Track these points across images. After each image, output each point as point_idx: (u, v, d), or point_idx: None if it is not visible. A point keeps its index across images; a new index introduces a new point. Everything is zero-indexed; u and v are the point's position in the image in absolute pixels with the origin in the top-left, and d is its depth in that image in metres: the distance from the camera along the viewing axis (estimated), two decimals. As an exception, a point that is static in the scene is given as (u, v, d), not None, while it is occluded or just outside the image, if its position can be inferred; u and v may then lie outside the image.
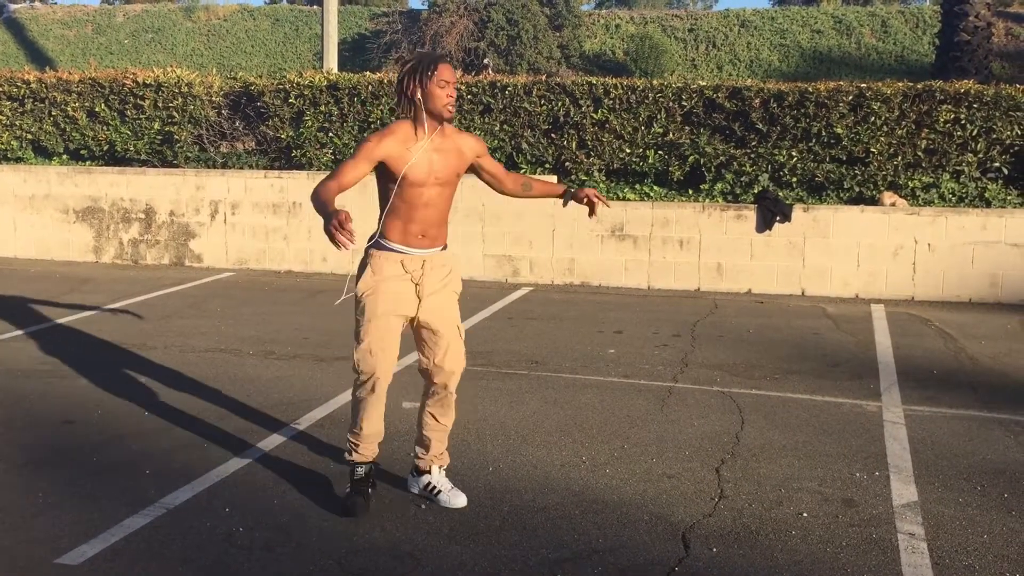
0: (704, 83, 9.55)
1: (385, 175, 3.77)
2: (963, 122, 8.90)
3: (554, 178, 9.50)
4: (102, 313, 7.92)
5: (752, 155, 9.32)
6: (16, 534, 3.73)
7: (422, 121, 3.73)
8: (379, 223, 3.86)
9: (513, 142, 9.85)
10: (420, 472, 4.08)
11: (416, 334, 3.97)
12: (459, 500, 3.97)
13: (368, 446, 3.96)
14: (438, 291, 3.90)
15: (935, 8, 24.86)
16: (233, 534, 3.73)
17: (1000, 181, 9.04)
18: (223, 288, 9.21)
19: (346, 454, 3.99)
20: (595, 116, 9.61)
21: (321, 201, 3.50)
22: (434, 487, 4.01)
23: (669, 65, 24.71)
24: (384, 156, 3.70)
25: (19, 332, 7.17)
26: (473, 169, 4.06)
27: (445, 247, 3.98)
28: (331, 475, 4.32)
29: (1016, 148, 8.92)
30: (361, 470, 3.96)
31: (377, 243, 3.86)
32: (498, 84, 9.89)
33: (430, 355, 3.93)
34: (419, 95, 3.70)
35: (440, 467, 4.07)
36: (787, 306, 8.40)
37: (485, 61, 24.13)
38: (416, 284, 3.85)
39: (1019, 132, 8.86)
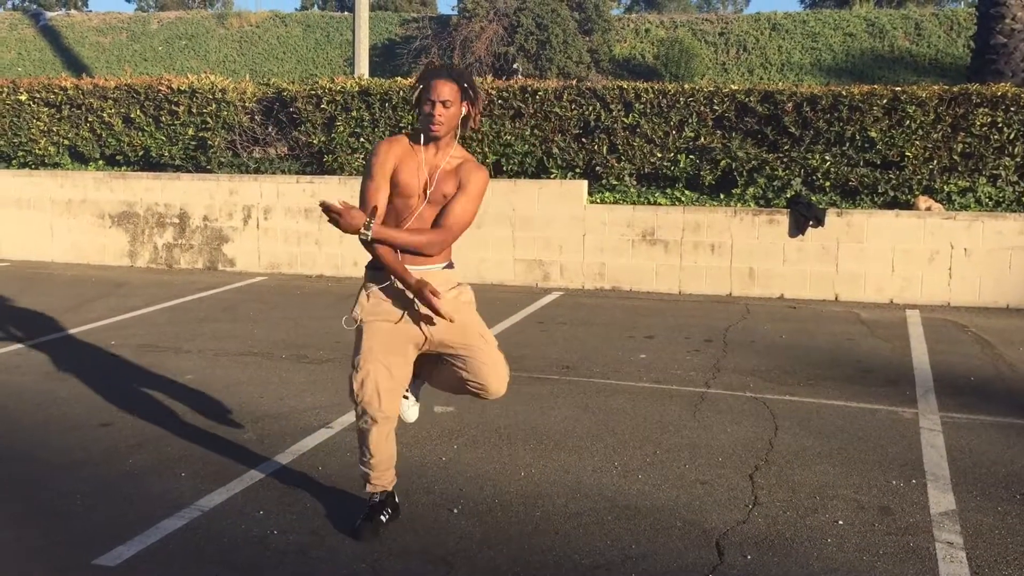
0: (736, 87, 9.51)
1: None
2: (1000, 125, 8.78)
3: (582, 189, 9.48)
4: (137, 316, 8.01)
5: (785, 159, 9.25)
6: (54, 535, 3.77)
7: (419, 134, 3.63)
8: None
9: (544, 147, 9.85)
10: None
11: (441, 358, 3.77)
12: (410, 414, 4.05)
13: (382, 475, 3.82)
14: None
15: (970, 10, 24.59)
16: (267, 537, 3.75)
17: (1038, 185, 8.91)
18: (256, 292, 9.29)
19: (364, 485, 3.86)
20: (626, 120, 9.59)
21: (389, 262, 3.53)
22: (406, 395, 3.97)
23: (699, 69, 24.63)
24: (393, 164, 3.59)
25: (55, 336, 7.27)
26: None
27: (449, 265, 3.74)
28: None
29: (1055, 152, 8.79)
30: (377, 497, 3.84)
31: (372, 263, 3.68)
32: (529, 89, 9.90)
33: (468, 376, 3.71)
34: (416, 109, 3.62)
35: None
36: (820, 311, 8.32)
37: (515, 66, 24.18)
38: (415, 303, 3.59)
39: (1058, 135, 8.73)
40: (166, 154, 11.06)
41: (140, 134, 11.10)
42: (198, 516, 3.93)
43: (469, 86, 3.60)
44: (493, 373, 3.71)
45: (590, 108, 9.69)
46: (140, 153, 11.20)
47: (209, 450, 4.71)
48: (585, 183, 9.52)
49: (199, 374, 6.14)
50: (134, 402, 5.52)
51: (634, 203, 9.50)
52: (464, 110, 3.61)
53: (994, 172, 8.89)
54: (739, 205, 9.30)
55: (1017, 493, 4.21)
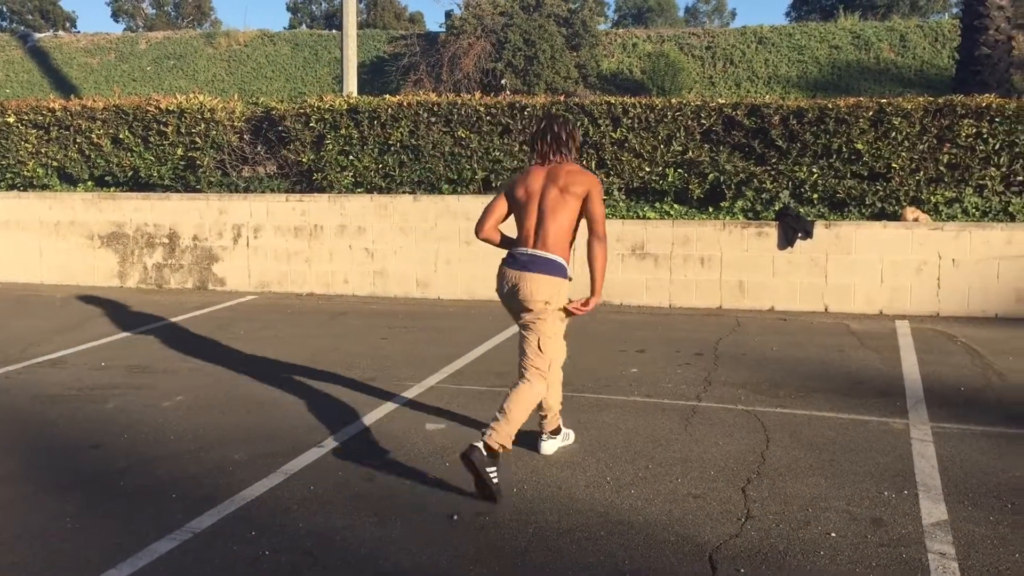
0: (723, 101, 9.56)
1: None
2: (985, 136, 8.85)
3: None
4: (127, 337, 7.98)
5: (772, 172, 9.30)
6: (45, 558, 3.75)
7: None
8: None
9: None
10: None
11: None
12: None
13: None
14: None
15: (954, 22, 24.79)
16: (259, 558, 3.73)
17: (1024, 195, 8.97)
18: (246, 311, 9.27)
19: (502, 444, 4.27)
20: (614, 135, 9.63)
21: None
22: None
23: (687, 83, 24.74)
24: None
25: (45, 357, 7.24)
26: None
27: None
28: (356, 497, 4.33)
29: (1039, 161, 8.86)
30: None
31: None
32: (517, 105, 9.94)
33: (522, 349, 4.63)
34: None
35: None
36: (810, 323, 8.34)
37: (503, 82, 24.26)
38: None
39: (1042, 145, 8.80)
40: (155, 174, 11.05)
41: (129, 154, 11.10)
42: (189, 538, 3.91)
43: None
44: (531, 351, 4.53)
45: (578, 123, 9.72)
46: (129, 173, 11.19)
47: (200, 471, 4.70)
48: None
49: (189, 395, 6.12)
50: (125, 424, 5.49)
51: (623, 217, 9.52)
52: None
53: (980, 182, 8.95)
54: (728, 218, 9.33)
55: (1009, 503, 4.22)
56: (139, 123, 11.02)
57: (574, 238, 4.58)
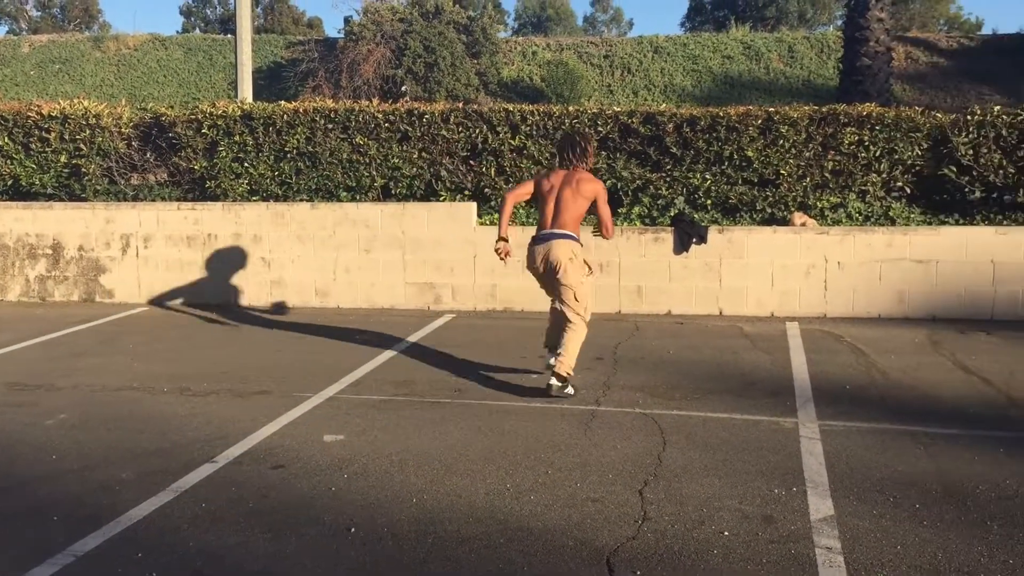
0: (619, 109, 9.71)
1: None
2: (867, 144, 9.22)
3: (472, 211, 9.51)
4: (6, 354, 7.62)
5: (668, 178, 9.48)
6: (-88, 591, 3.54)
7: None
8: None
9: (432, 169, 9.85)
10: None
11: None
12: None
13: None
14: None
15: (838, 34, 25.79)
16: (147, 580, 3.60)
17: (903, 200, 9.37)
18: (136, 324, 8.96)
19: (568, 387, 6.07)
20: (513, 143, 9.67)
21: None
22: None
23: (585, 91, 25.08)
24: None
25: (-83, 376, 6.85)
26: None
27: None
28: (250, 513, 4.22)
29: (917, 168, 9.27)
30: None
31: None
32: (416, 112, 9.89)
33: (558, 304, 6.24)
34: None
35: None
36: (706, 326, 8.53)
37: (403, 88, 24.15)
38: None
39: (919, 152, 9.21)
40: (37, 182, 10.59)
41: (8, 162, 10.61)
42: (72, 562, 3.75)
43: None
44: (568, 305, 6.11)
45: (477, 131, 9.74)
46: (9, 182, 10.70)
47: (84, 491, 4.51)
48: (474, 205, 9.54)
49: (74, 412, 5.88)
50: (3, 443, 5.23)
51: (523, 224, 9.56)
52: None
53: (863, 188, 9.31)
54: (625, 224, 9.47)
55: (891, 496, 4.39)
56: (19, 129, 10.55)
57: (580, 222, 6.20)
